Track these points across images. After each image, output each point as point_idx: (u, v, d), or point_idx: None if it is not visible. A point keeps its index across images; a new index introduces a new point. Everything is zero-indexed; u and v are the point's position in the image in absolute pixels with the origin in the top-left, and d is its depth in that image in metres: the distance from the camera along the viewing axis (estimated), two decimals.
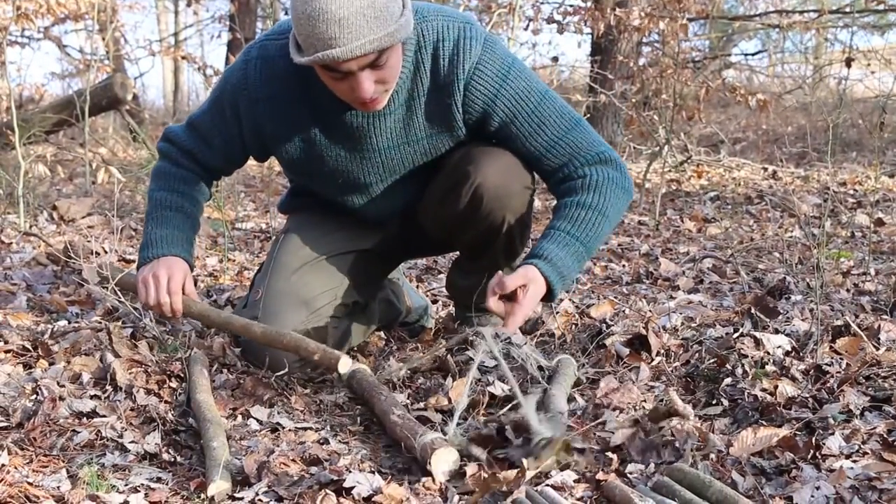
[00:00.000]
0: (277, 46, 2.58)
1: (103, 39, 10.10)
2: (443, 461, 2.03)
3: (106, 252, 4.24)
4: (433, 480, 2.01)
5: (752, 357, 2.62)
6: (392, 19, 2.29)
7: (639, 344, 2.85)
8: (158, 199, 2.84)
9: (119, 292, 2.90)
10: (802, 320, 2.96)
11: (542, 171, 2.68)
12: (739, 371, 2.56)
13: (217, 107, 2.76)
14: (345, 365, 2.41)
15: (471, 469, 2.03)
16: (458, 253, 3.10)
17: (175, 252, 2.77)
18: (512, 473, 1.94)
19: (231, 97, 2.69)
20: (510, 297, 2.49)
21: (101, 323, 2.97)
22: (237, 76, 2.67)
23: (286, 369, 2.63)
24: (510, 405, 2.32)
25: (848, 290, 3.56)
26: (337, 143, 2.66)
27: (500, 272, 2.50)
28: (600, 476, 1.98)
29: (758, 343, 2.71)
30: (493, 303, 2.48)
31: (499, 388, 2.51)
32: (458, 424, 2.19)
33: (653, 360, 2.80)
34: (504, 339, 2.36)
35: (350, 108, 2.55)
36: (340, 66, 2.31)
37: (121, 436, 2.23)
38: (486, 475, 1.96)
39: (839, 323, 2.82)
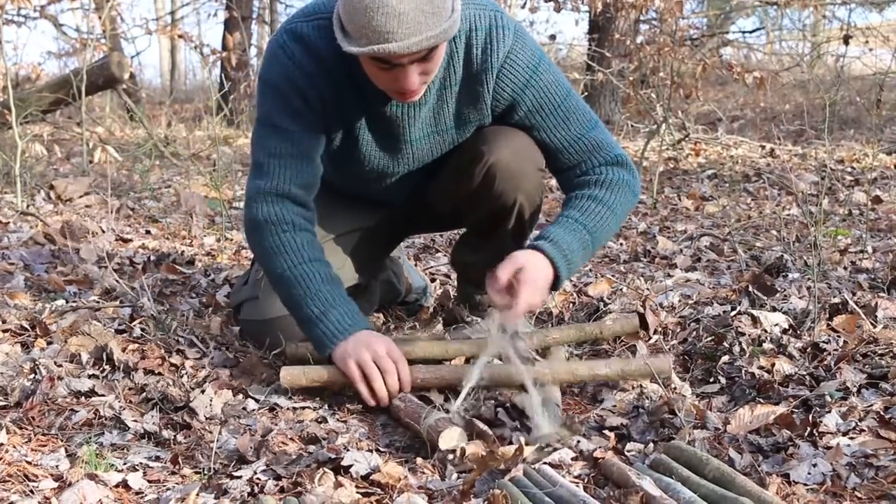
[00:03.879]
0: (311, 27, 2.48)
1: (100, 18, 10.09)
2: (450, 440, 2.04)
3: (103, 231, 4.25)
4: (439, 459, 2.03)
5: (749, 335, 2.63)
6: (445, 15, 2.23)
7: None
8: (304, 276, 2.47)
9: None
10: (800, 298, 2.96)
11: (559, 165, 2.66)
12: (737, 349, 2.56)
13: (278, 110, 2.52)
14: None
15: (471, 448, 2.04)
16: (460, 231, 3.09)
17: (365, 326, 2.46)
18: (510, 451, 1.94)
19: (288, 83, 2.49)
20: (510, 287, 2.46)
21: (98, 302, 2.97)
22: (280, 63, 2.49)
23: (285, 349, 2.63)
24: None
25: (845, 268, 3.56)
26: (373, 133, 2.62)
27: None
28: (598, 454, 1.99)
29: (755, 321, 2.71)
30: (496, 298, 2.44)
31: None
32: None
33: (650, 338, 2.80)
34: (511, 333, 2.38)
35: (390, 98, 2.51)
36: (393, 58, 2.25)
37: (119, 415, 2.24)
38: (484, 454, 1.97)
39: (836, 300, 2.83)
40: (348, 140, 2.62)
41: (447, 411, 2.16)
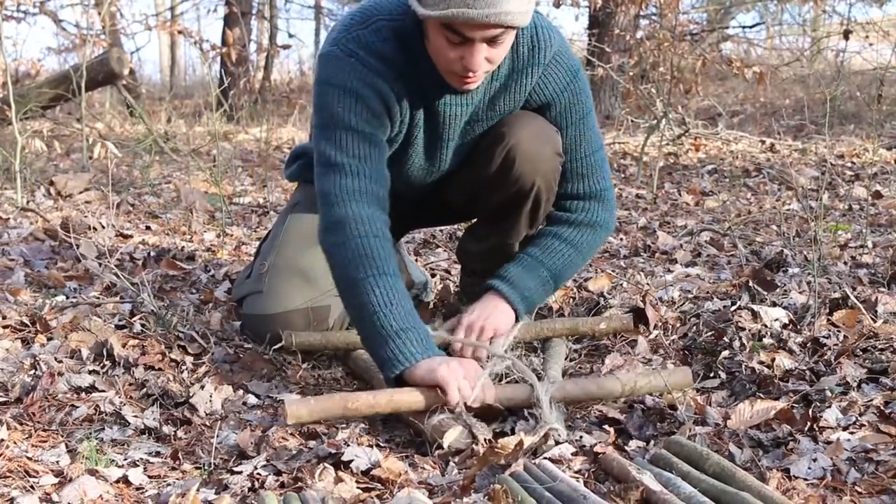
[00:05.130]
0: (372, 32, 2.45)
1: (99, 14, 10.07)
2: (453, 440, 2.04)
3: (103, 227, 4.25)
4: (439, 456, 2.03)
5: (749, 330, 2.63)
6: (526, 0, 2.26)
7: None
8: (387, 287, 2.31)
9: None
10: (800, 293, 2.96)
11: None
12: (737, 344, 2.56)
13: (355, 113, 2.46)
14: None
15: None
16: (462, 226, 3.09)
17: (439, 352, 2.30)
18: (511, 445, 1.94)
19: (366, 86, 2.44)
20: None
21: (98, 298, 2.97)
22: (353, 70, 2.45)
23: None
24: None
25: (845, 263, 3.56)
26: (426, 132, 2.61)
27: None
28: (598, 449, 1.99)
29: (755, 316, 2.71)
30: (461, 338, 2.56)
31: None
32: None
33: (650, 333, 2.80)
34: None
35: (447, 96, 2.52)
36: (467, 30, 2.25)
37: (120, 410, 2.24)
38: (484, 449, 1.97)
39: (837, 295, 2.83)
40: (404, 142, 2.62)
41: (450, 410, 2.15)
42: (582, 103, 2.64)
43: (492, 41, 2.28)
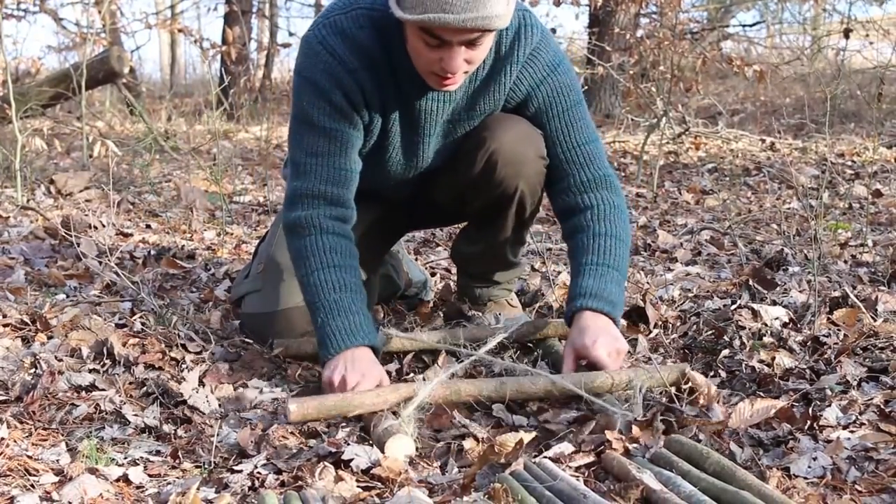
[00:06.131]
0: (350, 19, 2.46)
1: (99, 12, 10.06)
2: (398, 449, 2.02)
3: (104, 226, 4.25)
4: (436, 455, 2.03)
5: (749, 329, 2.63)
6: (504, 2, 2.23)
7: (636, 316, 2.85)
8: (317, 284, 2.45)
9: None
10: (800, 292, 2.96)
11: (551, 172, 2.67)
12: (737, 343, 2.56)
13: (317, 108, 2.49)
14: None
15: (468, 443, 2.04)
16: (460, 225, 3.09)
17: (358, 341, 2.39)
18: (511, 443, 1.94)
19: (329, 79, 2.45)
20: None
21: (99, 297, 2.97)
22: (321, 60, 2.46)
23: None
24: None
25: (846, 262, 3.56)
26: (403, 126, 2.60)
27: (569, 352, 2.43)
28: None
29: (755, 315, 2.71)
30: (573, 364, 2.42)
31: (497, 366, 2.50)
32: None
33: (650, 331, 2.81)
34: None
35: (425, 91, 2.50)
36: (445, 34, 2.24)
37: (120, 409, 2.24)
38: (484, 447, 1.97)
39: (837, 294, 2.83)
40: (380, 136, 2.60)
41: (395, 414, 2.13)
42: (564, 96, 2.61)
43: (470, 44, 2.28)
